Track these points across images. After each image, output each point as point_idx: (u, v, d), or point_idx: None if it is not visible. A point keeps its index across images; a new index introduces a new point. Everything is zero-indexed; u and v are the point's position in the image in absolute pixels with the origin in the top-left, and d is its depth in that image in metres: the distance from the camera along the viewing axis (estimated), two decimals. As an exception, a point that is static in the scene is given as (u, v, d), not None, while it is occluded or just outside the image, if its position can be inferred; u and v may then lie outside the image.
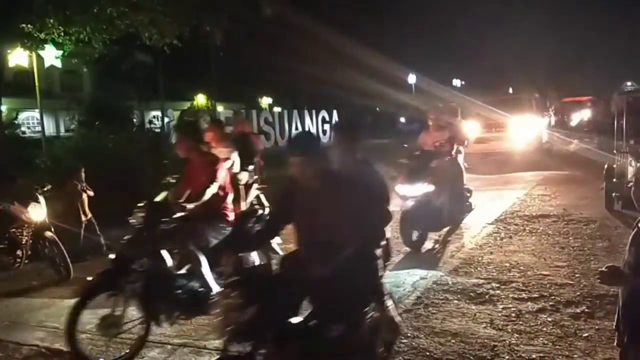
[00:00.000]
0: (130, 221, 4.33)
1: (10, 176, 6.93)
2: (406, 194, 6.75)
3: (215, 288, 4.13)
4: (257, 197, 7.15)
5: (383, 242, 3.61)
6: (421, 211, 6.66)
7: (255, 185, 7.17)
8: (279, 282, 3.00)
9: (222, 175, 4.81)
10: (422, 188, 6.72)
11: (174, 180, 5.34)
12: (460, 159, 8.06)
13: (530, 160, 14.96)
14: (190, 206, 4.44)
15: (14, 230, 6.10)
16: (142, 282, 4.04)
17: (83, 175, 7.39)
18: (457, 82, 43.59)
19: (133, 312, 4.18)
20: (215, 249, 4.33)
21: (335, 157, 3.74)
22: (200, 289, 4.33)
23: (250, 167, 7.08)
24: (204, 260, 4.36)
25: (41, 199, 6.29)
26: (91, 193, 7.36)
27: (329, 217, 3.09)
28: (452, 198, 7.25)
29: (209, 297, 4.26)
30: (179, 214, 4.36)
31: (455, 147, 7.63)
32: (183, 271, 4.39)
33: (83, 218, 7.30)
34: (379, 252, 3.41)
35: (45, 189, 6.46)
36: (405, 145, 7.99)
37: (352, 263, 2.98)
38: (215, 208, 4.72)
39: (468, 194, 8.14)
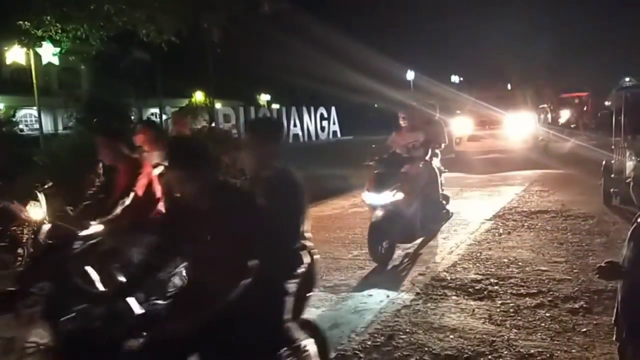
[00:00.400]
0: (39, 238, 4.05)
1: (10, 174, 6.91)
2: (373, 202, 6.18)
3: (137, 310, 3.21)
4: None
5: (300, 270, 3.04)
6: (390, 222, 6.03)
7: None
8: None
9: (142, 184, 4.26)
10: (391, 196, 6.09)
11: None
12: (437, 162, 7.47)
13: (525, 158, 14.56)
14: (93, 223, 3.96)
15: (14, 228, 6.08)
16: (41, 306, 3.66)
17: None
18: (455, 79, 43.55)
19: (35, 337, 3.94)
20: (139, 266, 3.45)
21: (246, 165, 3.31)
22: (118, 312, 3.77)
23: None
24: (122, 280, 3.58)
25: (41, 197, 6.24)
26: None
27: (213, 247, 2.52)
28: (426, 206, 6.75)
29: (131, 320, 3.30)
30: (85, 232, 3.92)
31: (430, 150, 7.00)
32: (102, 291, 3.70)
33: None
34: (292, 285, 2.90)
35: (46, 186, 6.41)
36: (374, 146, 6.99)
37: (249, 302, 2.45)
38: (140, 220, 4.15)
39: (444, 202, 7.68)
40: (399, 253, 6.55)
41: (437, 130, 7.67)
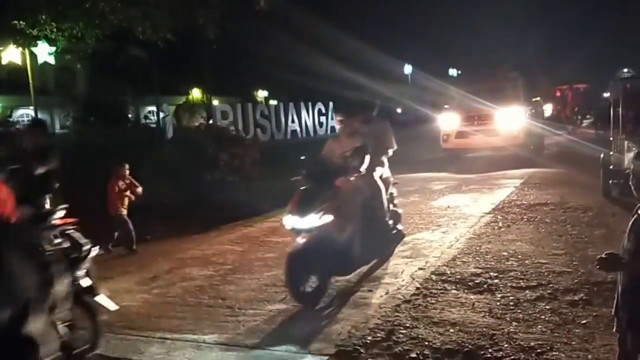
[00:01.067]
0: None
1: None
2: (296, 227, 4.98)
3: None
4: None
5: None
6: (317, 251, 4.82)
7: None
8: None
9: None
10: (317, 218, 4.88)
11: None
12: (386, 171, 6.32)
13: (517, 156, 13.82)
14: None
15: None
16: None
17: (127, 171, 7.40)
18: (453, 72, 43.48)
19: None
20: None
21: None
22: None
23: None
24: None
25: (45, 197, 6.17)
26: (140, 189, 7.41)
27: None
28: (368, 228, 5.42)
29: None
30: None
31: (366, 159, 5.53)
32: None
33: (124, 212, 7.36)
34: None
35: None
36: (303, 158, 5.61)
37: None
38: None
39: (394, 220, 6.36)
40: (399, 247, 6.53)
41: (382, 133, 6.46)
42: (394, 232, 6.35)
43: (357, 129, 5.97)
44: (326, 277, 4.98)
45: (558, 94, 29.96)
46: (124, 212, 7.38)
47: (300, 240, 4.93)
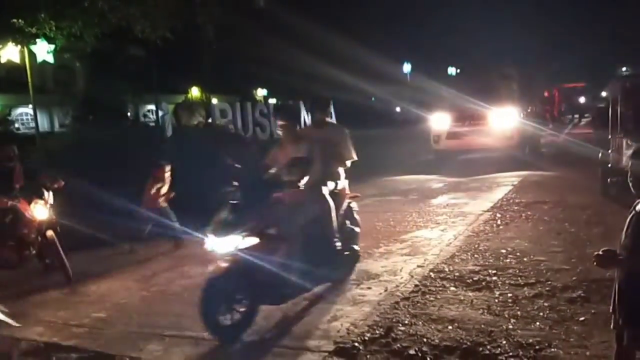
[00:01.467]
0: None
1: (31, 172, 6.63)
2: (216, 250, 4.21)
3: None
4: None
5: None
6: (240, 277, 4.17)
7: None
8: None
9: None
10: (239, 240, 4.15)
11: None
12: (332, 186, 5.24)
13: (511, 157, 13.24)
14: None
15: (22, 227, 6.00)
16: None
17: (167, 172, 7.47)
18: (452, 71, 43.46)
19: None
20: None
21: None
22: None
23: None
24: None
25: (49, 195, 6.14)
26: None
27: None
28: (311, 250, 4.66)
29: None
30: None
31: (309, 172, 4.69)
32: None
33: (165, 204, 7.40)
34: None
35: (56, 185, 6.27)
36: (238, 166, 4.67)
37: None
38: None
39: (339, 244, 5.13)
40: (394, 245, 6.52)
41: (338, 141, 5.48)
42: (347, 253, 5.38)
43: (305, 134, 5.16)
44: (252, 308, 4.24)
45: (546, 94, 30.02)
46: (165, 204, 7.39)
47: (221, 264, 4.16)
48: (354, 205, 5.73)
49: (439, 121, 14.60)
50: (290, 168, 4.61)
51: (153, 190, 7.34)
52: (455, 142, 14.12)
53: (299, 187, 4.59)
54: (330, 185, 5.19)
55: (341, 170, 5.50)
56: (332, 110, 6.04)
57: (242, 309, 4.21)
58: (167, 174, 7.49)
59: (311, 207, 4.82)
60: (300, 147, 4.84)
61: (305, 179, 4.62)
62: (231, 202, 4.41)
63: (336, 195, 5.26)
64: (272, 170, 4.86)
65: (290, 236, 4.49)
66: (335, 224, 5.09)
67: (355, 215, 5.72)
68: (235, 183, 4.49)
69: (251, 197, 4.37)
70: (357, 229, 5.72)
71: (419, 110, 16.07)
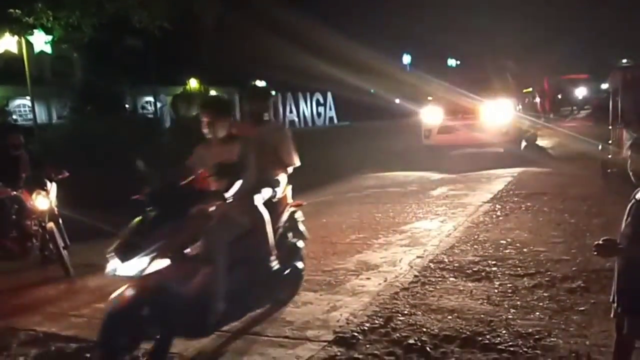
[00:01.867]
0: None
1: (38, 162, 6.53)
2: (117, 273, 3.35)
3: None
4: None
5: None
6: (149, 307, 3.36)
7: None
8: None
9: None
10: (146, 263, 3.31)
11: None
12: (269, 196, 4.35)
13: (506, 153, 12.97)
14: None
15: (25, 218, 5.96)
16: None
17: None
18: (452, 63, 43.31)
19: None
20: None
21: None
22: None
23: None
24: None
25: (52, 186, 6.09)
26: None
27: None
28: (240, 272, 3.90)
29: None
30: None
31: (238, 181, 3.83)
32: None
33: None
34: None
35: (61, 176, 6.20)
36: (139, 164, 3.75)
37: None
38: None
39: (275, 263, 4.26)
40: (394, 236, 6.51)
41: (278, 142, 4.69)
42: (287, 271, 4.51)
43: (238, 133, 4.26)
44: (164, 342, 3.47)
45: (545, 86, 29.96)
46: None
47: (126, 292, 3.34)
48: (298, 215, 4.81)
49: (431, 115, 13.91)
50: (216, 174, 3.90)
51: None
52: (447, 137, 13.37)
53: (225, 197, 3.74)
54: (266, 193, 4.35)
55: (282, 176, 4.67)
56: (271, 104, 4.97)
57: (158, 344, 3.43)
58: None
59: (241, 220, 4.02)
60: (230, 149, 4.01)
61: (235, 187, 3.81)
62: (140, 217, 3.58)
63: (274, 205, 4.46)
64: (194, 177, 4.11)
65: (214, 256, 3.71)
66: (271, 239, 4.23)
67: (300, 227, 4.80)
68: (147, 190, 3.65)
69: (164, 210, 3.53)
70: (300, 244, 4.80)
71: (413, 102, 15.42)
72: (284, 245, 4.57)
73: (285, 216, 4.64)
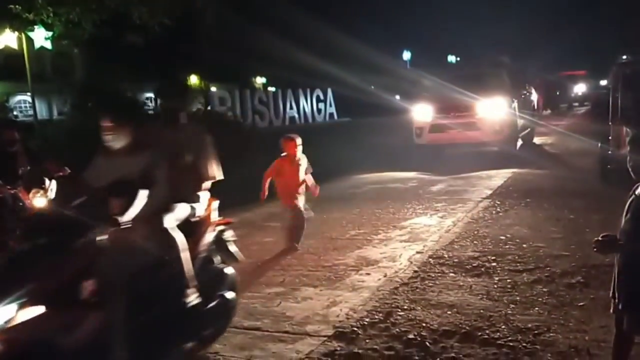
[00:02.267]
0: None
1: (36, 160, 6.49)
2: None
3: None
4: None
5: None
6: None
7: None
8: None
9: None
10: (13, 312, 2.55)
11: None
12: (183, 215, 3.60)
13: (502, 153, 12.43)
14: None
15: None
16: None
17: None
18: (452, 59, 43.27)
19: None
20: None
21: None
22: None
23: None
24: None
25: (52, 184, 6.03)
26: None
27: None
28: (148, 312, 3.13)
29: None
30: None
31: (137, 202, 3.10)
32: None
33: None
34: None
35: (61, 173, 6.10)
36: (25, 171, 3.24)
37: None
38: None
39: (195, 297, 3.46)
40: (393, 232, 6.52)
41: (196, 149, 3.83)
42: (212, 304, 3.67)
43: (146, 140, 3.46)
44: None
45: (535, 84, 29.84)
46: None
47: None
48: (228, 234, 4.05)
49: (422, 113, 13.07)
50: (112, 196, 3.12)
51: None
52: (439, 136, 12.75)
53: (118, 222, 2.99)
54: (182, 212, 3.59)
55: (203, 193, 3.85)
56: (190, 103, 3.88)
57: None
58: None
59: (145, 248, 3.23)
60: (137, 161, 3.27)
61: (135, 208, 3.09)
62: (11, 254, 2.96)
63: (194, 225, 3.71)
64: (82, 198, 3.34)
65: (108, 296, 2.89)
66: (188, 267, 3.43)
67: (231, 248, 4.06)
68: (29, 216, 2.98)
69: (41, 242, 2.80)
70: (229, 270, 3.95)
71: (411, 99, 14.92)
72: (208, 272, 3.76)
73: (209, 237, 3.81)
